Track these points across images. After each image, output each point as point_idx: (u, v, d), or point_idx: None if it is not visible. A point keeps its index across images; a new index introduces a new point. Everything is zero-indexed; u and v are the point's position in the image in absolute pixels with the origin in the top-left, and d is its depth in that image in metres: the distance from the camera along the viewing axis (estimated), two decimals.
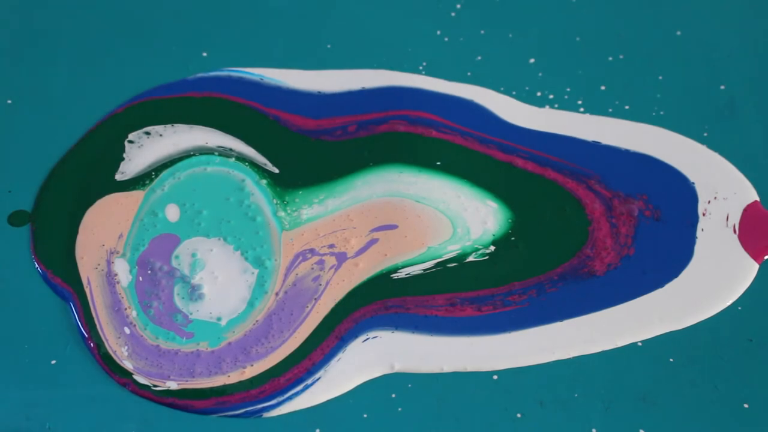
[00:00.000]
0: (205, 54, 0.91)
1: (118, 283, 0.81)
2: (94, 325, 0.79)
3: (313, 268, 0.82)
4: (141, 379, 0.78)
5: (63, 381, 0.78)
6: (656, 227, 0.83)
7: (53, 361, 0.78)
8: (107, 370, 0.78)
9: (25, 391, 0.77)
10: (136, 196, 0.85)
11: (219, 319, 0.80)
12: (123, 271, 0.82)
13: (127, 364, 0.78)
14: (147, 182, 0.85)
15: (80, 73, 0.90)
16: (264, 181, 0.85)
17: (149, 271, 0.82)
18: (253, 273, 0.82)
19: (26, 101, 0.89)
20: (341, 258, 0.82)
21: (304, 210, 0.84)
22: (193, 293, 0.81)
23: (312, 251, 0.83)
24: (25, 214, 0.84)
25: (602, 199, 0.84)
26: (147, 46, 0.92)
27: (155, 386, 0.77)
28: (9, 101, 0.89)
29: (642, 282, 0.81)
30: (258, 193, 0.85)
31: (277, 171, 0.86)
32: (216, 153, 0.87)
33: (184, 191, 0.85)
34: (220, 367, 0.78)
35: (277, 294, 0.81)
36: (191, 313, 0.80)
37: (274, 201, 0.85)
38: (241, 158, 0.86)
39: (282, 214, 0.84)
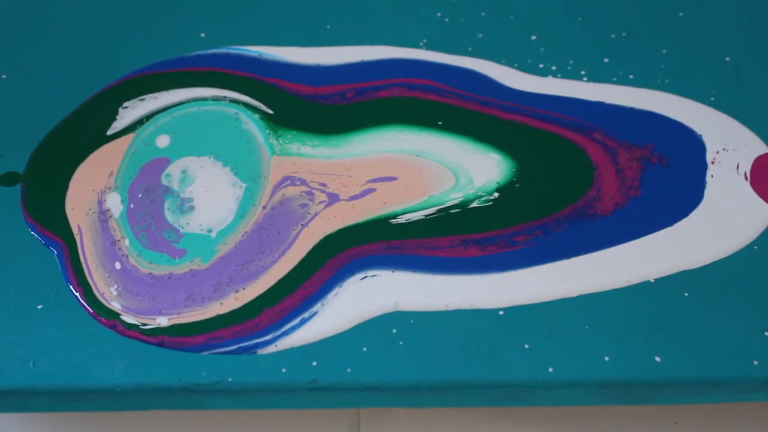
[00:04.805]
0: (203, 35, 0.91)
1: (111, 217, 0.79)
2: (82, 271, 0.76)
3: (301, 195, 0.80)
4: (129, 319, 0.74)
5: (48, 323, 0.74)
6: (664, 172, 0.81)
7: (39, 306, 0.75)
8: (93, 314, 0.74)
9: (7, 333, 0.74)
10: (127, 138, 0.83)
11: (209, 230, 0.78)
12: (115, 204, 0.80)
13: (115, 305, 0.75)
14: (138, 127, 0.84)
15: (76, 52, 0.90)
16: (257, 115, 0.84)
17: (140, 195, 0.80)
18: (241, 187, 0.80)
19: (21, 77, 0.88)
20: (333, 198, 0.79)
21: (297, 145, 0.82)
22: (183, 205, 0.79)
23: (302, 181, 0.80)
24: (16, 175, 0.82)
25: (606, 148, 0.82)
26: (145, 27, 0.91)
27: (144, 325, 0.74)
28: (3, 76, 0.88)
29: (651, 220, 0.78)
30: (251, 123, 0.84)
31: (271, 112, 0.84)
32: (210, 99, 0.85)
33: (177, 124, 0.84)
34: (212, 291, 0.75)
35: (264, 207, 0.78)
36: (182, 227, 0.78)
37: (267, 131, 0.83)
38: (235, 101, 0.85)
39: (274, 141, 0.82)
